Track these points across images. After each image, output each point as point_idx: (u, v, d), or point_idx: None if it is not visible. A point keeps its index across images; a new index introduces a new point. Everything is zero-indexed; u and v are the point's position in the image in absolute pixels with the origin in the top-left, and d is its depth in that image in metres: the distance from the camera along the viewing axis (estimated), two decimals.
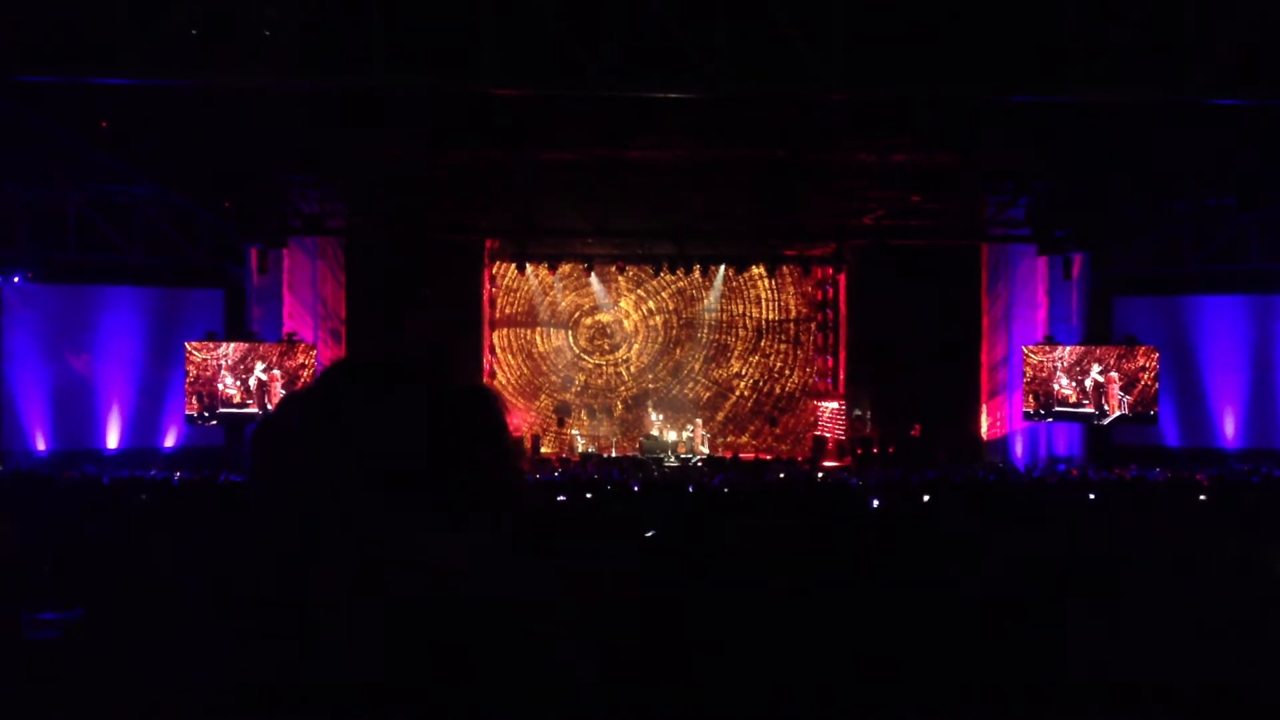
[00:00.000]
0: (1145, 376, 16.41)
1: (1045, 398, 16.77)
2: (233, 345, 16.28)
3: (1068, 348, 16.81)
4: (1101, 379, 16.45)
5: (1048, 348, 16.88)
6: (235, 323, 17.04)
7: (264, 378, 16.15)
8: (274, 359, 16.24)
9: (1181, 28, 8.22)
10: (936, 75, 8.25)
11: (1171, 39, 8.29)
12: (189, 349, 16.13)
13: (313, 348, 16.53)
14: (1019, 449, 17.73)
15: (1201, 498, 9.66)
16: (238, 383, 16.15)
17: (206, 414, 16.20)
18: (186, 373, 16.11)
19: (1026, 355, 16.90)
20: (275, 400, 15.83)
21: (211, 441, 16.86)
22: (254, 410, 16.17)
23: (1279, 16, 7.94)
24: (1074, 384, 16.62)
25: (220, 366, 16.12)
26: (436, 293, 18.40)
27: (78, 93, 9.48)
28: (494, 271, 20.21)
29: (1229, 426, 17.11)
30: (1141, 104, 9.60)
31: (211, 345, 16.20)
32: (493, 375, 20.10)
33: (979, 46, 8.36)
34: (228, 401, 16.15)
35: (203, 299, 17.22)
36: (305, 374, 16.20)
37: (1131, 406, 16.40)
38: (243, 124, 12.01)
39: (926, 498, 9.43)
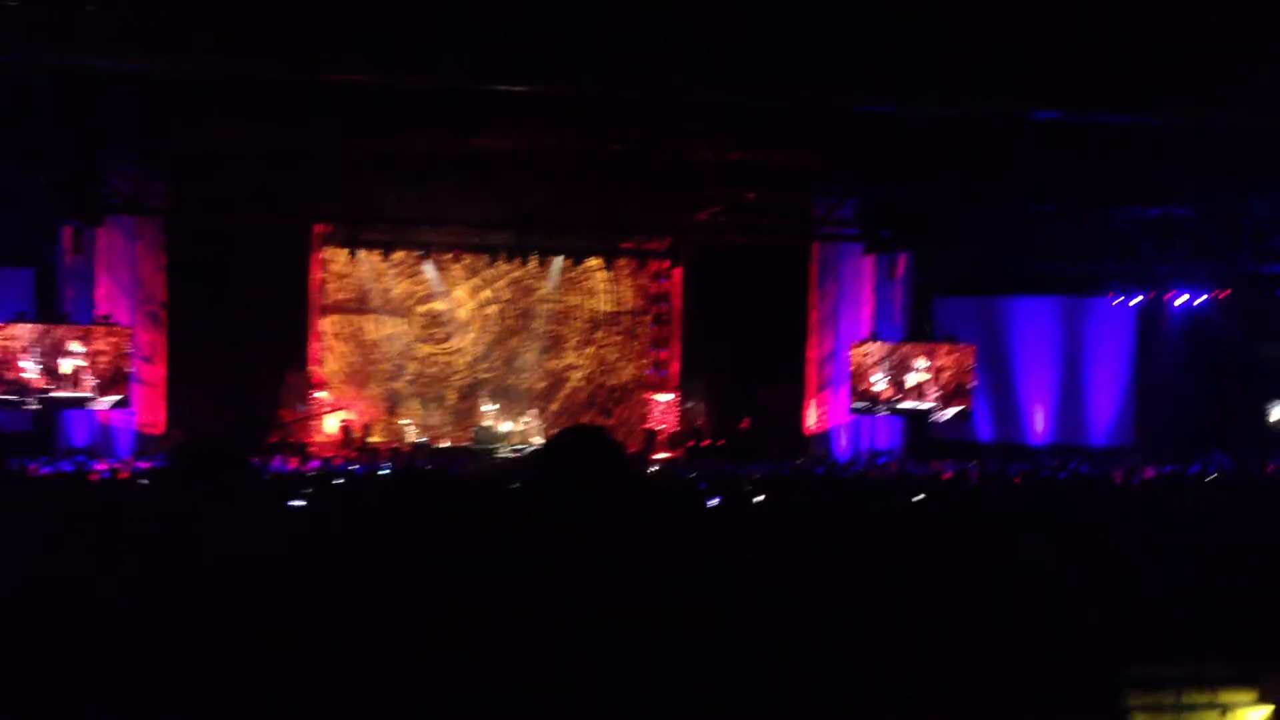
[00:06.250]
0: (946, 375, 16.92)
1: (869, 393, 17.25)
2: (28, 327, 15.37)
3: (885, 343, 17.24)
4: (925, 375, 17.00)
5: (870, 344, 17.34)
6: (47, 304, 16.09)
7: (78, 362, 15.34)
8: (75, 341, 15.40)
9: (1013, 43, 8.60)
10: (784, 80, 8.42)
11: (1003, 53, 8.67)
12: None
13: (116, 330, 15.65)
14: (843, 442, 18.25)
15: None
16: (38, 366, 15.29)
17: (15, 398, 15.30)
18: None
19: (851, 351, 17.36)
20: (81, 384, 15.21)
21: (19, 427, 15.91)
22: (61, 395, 15.35)
23: (1111, 34, 8.38)
24: (890, 380, 17.07)
25: (19, 349, 15.22)
26: (262, 276, 17.81)
27: None
28: (324, 256, 19.64)
29: (1039, 422, 18.01)
30: (974, 115, 10.01)
31: (3, 326, 15.26)
32: (321, 362, 19.58)
33: (822, 55, 8.55)
34: (28, 385, 15.27)
35: (13, 278, 16.17)
36: (104, 360, 15.42)
37: (946, 401, 16.91)
38: (60, 98, 11.39)
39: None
